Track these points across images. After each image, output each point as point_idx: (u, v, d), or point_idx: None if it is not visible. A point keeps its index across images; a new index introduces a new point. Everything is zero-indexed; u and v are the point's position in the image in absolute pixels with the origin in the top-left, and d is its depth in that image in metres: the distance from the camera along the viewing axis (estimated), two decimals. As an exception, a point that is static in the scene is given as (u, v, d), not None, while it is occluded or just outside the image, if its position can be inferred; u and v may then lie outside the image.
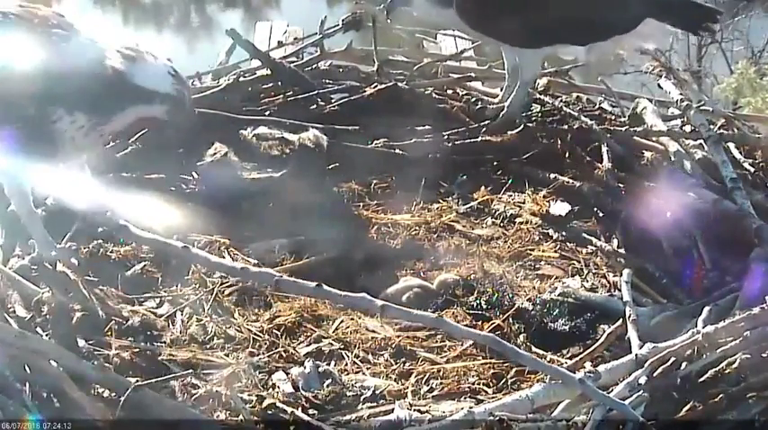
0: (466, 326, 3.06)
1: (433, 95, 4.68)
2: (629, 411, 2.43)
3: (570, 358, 2.84)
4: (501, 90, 4.68)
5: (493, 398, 2.68)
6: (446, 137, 4.20)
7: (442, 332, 3.06)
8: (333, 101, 4.47)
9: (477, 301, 3.14)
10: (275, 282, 2.64)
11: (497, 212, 3.84)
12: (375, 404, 2.64)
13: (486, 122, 4.33)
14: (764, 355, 2.65)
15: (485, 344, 2.85)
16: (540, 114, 4.50)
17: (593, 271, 3.46)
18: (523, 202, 3.90)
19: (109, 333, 2.82)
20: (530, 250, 3.58)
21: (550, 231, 3.71)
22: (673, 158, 4.04)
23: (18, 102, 2.62)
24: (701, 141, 4.00)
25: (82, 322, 2.80)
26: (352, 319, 3.09)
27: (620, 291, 3.17)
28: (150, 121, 2.96)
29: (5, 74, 2.62)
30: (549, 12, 4.00)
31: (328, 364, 2.82)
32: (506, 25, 4.03)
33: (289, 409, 2.54)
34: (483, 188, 3.98)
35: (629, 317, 2.91)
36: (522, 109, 4.41)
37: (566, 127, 4.33)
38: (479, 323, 3.03)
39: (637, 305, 3.17)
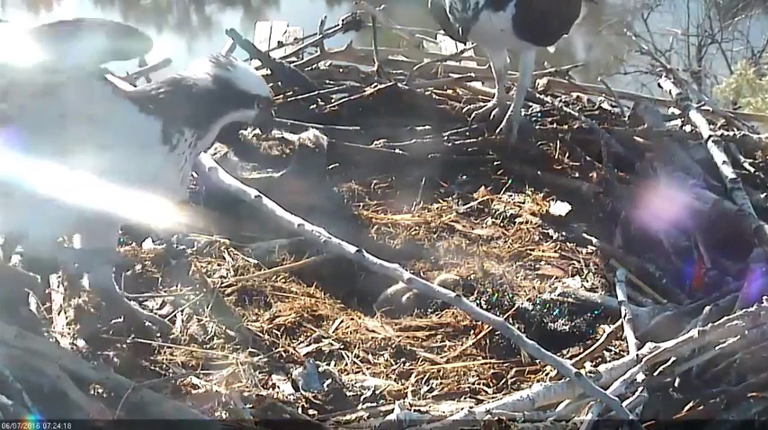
0: (465, 325, 3.08)
1: (433, 95, 4.68)
2: (618, 406, 2.43)
3: (570, 358, 2.84)
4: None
5: (493, 398, 2.69)
6: (446, 137, 4.20)
7: (441, 332, 3.07)
8: (333, 101, 4.46)
9: (477, 301, 3.13)
10: (323, 242, 2.90)
11: (497, 212, 3.83)
12: (375, 404, 2.64)
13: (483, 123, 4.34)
14: (765, 355, 2.66)
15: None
16: (540, 114, 4.50)
17: (593, 271, 3.46)
18: (523, 202, 3.90)
19: (109, 333, 2.82)
20: (530, 250, 3.58)
21: (550, 231, 3.71)
22: (673, 158, 4.04)
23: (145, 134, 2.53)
24: (701, 141, 4.00)
25: (82, 322, 2.80)
26: (352, 319, 3.09)
27: (620, 290, 3.17)
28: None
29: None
30: (571, 10, 4.21)
31: (328, 364, 2.82)
32: (550, 31, 4.18)
33: (289, 409, 2.54)
34: (483, 188, 3.97)
35: (625, 316, 2.92)
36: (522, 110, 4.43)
37: (566, 127, 4.34)
38: (479, 323, 3.03)
39: (637, 305, 3.18)
